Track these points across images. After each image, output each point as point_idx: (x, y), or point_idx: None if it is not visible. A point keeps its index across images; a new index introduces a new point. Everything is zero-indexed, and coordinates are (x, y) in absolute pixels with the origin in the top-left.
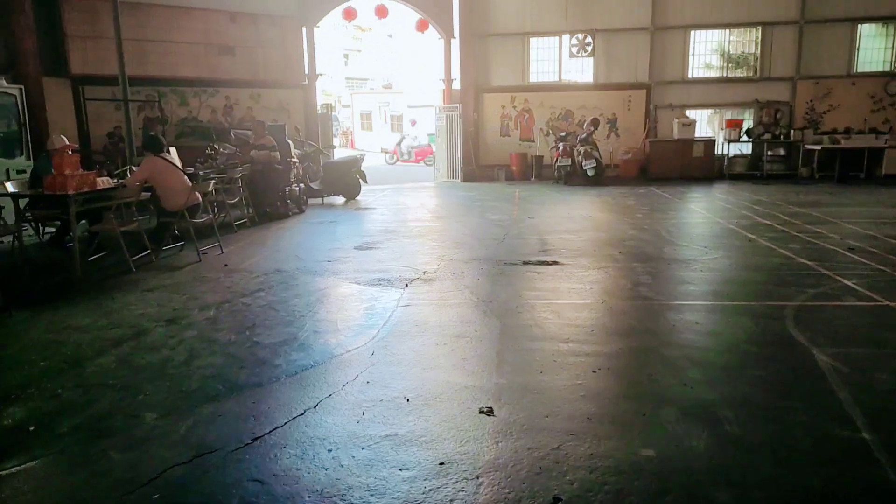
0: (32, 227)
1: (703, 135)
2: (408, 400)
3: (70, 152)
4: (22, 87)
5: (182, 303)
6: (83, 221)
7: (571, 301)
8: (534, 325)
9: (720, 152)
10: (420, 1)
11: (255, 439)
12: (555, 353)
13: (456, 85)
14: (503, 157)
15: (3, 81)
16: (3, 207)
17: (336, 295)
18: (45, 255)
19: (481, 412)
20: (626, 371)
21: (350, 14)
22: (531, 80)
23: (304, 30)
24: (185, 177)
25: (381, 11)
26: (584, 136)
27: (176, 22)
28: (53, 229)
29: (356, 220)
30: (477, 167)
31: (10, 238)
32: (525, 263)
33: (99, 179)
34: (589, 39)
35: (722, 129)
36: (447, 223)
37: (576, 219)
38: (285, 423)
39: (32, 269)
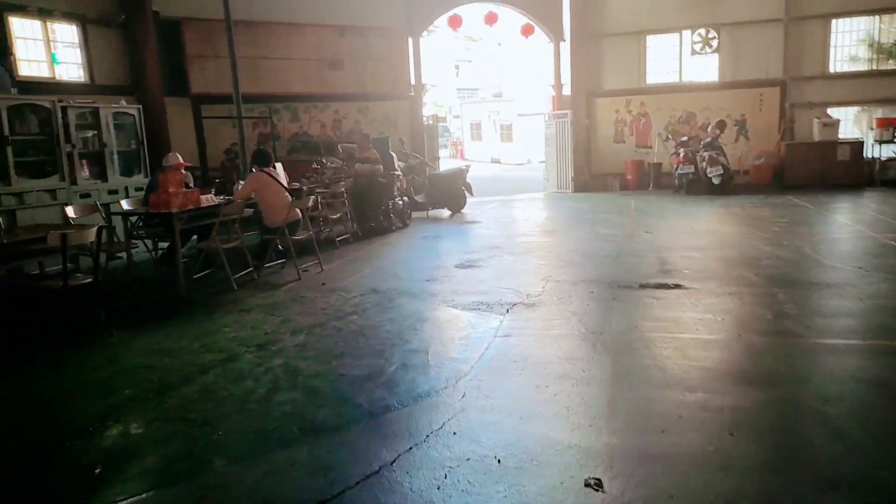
0: (145, 244)
1: (849, 136)
2: (499, 461)
3: (183, 170)
4: (140, 107)
5: (275, 325)
6: (194, 237)
7: (699, 336)
8: (653, 366)
9: (870, 155)
10: (527, 4)
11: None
12: (679, 404)
13: (566, 90)
14: (617, 165)
15: (123, 102)
16: (116, 226)
17: (431, 320)
18: (156, 271)
19: (587, 485)
20: (774, 433)
21: (455, 21)
22: (648, 82)
23: (410, 40)
24: (287, 193)
25: (491, 18)
26: (708, 140)
27: (288, 38)
28: (167, 244)
29: (460, 234)
30: (589, 176)
31: (128, 255)
32: (642, 287)
33: (203, 197)
34: (713, 34)
35: (872, 128)
36: (555, 238)
37: (700, 233)
38: (357, 484)
39: (139, 287)
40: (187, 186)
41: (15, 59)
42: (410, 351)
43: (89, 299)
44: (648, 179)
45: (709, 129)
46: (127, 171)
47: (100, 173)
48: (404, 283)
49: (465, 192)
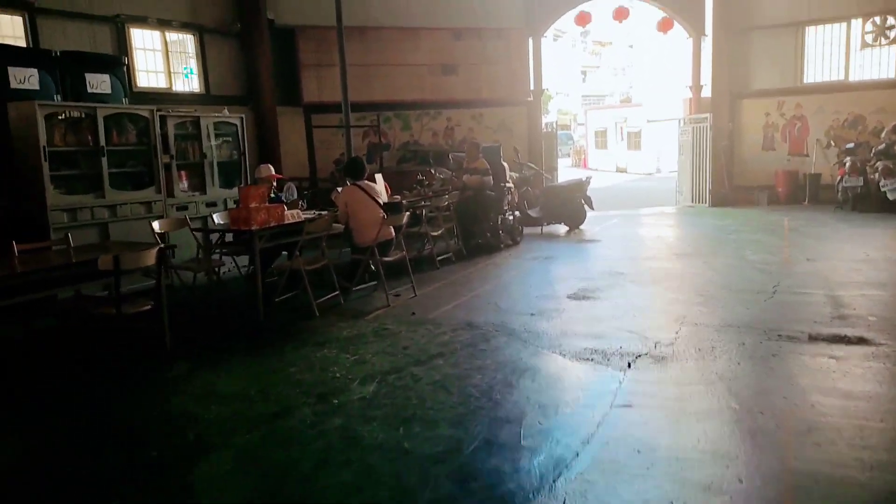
0: (234, 261)
1: None
2: None
3: (275, 182)
4: (242, 116)
5: (347, 367)
6: (284, 253)
7: None
8: (845, 479)
9: None
10: None
11: None
12: None
13: (706, 91)
14: (765, 177)
15: (226, 111)
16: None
17: (531, 373)
18: (241, 292)
19: None
20: None
21: (583, 19)
22: (806, 81)
23: (530, 41)
24: (380, 209)
25: (621, 13)
26: (881, 147)
27: (401, 43)
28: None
29: (576, 255)
30: (730, 189)
31: (210, 273)
32: (812, 339)
33: (290, 212)
34: (892, 22)
35: None
36: (691, 264)
37: (879, 263)
38: None
39: (218, 311)
40: (279, 200)
41: (133, 70)
42: (499, 420)
43: (154, 326)
44: (804, 193)
45: (883, 135)
46: (227, 183)
47: (199, 185)
48: (505, 316)
49: (585, 205)
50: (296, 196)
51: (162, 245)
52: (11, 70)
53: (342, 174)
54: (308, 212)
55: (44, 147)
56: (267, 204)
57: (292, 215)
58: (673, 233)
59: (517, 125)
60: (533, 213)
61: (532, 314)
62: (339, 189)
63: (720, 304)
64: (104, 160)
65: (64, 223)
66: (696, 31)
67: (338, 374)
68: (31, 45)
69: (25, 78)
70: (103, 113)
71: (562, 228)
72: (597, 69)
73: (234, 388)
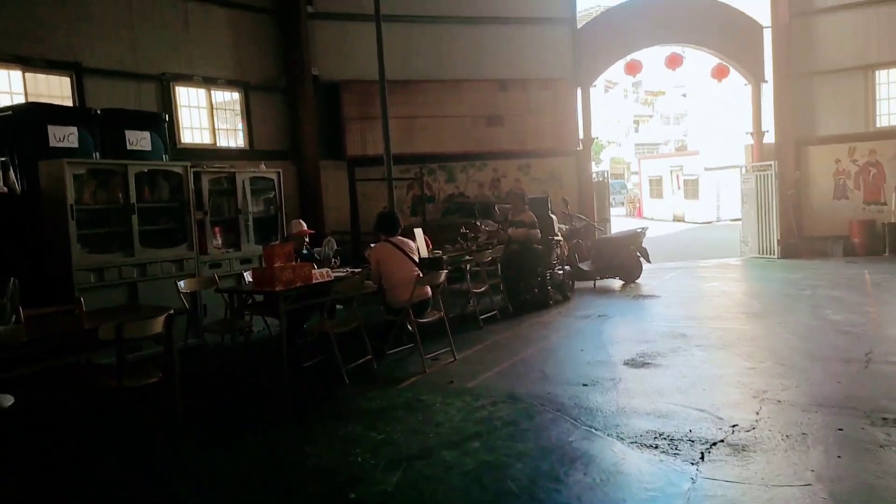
0: (264, 321)
1: None
2: None
3: (307, 238)
4: (279, 171)
5: (370, 449)
6: (316, 313)
7: None
8: None
9: None
10: (719, 43)
11: None
12: None
13: (768, 138)
14: (838, 226)
15: (263, 166)
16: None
17: (582, 463)
18: (270, 355)
19: None
20: None
21: (634, 68)
22: (878, 125)
23: (578, 91)
24: (414, 267)
25: (674, 61)
26: None
27: (445, 95)
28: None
29: (633, 313)
30: (799, 239)
31: (236, 335)
32: None
33: (316, 272)
34: None
35: None
36: (764, 325)
37: None
38: None
39: (241, 377)
40: (311, 256)
41: (178, 127)
42: None
43: (167, 397)
44: (883, 243)
45: None
46: (263, 239)
47: (233, 241)
48: (553, 386)
49: (641, 258)
50: (334, 251)
51: (171, 311)
52: (51, 128)
53: (374, 229)
54: (341, 270)
55: (71, 205)
56: (294, 262)
57: (321, 274)
58: (740, 288)
59: (566, 175)
60: (584, 266)
61: (584, 384)
62: (373, 245)
63: (805, 376)
64: (134, 217)
65: (90, 283)
66: (755, 77)
67: (360, 458)
68: (76, 105)
69: (65, 136)
70: (134, 170)
71: (616, 283)
72: (649, 118)
73: (238, 473)
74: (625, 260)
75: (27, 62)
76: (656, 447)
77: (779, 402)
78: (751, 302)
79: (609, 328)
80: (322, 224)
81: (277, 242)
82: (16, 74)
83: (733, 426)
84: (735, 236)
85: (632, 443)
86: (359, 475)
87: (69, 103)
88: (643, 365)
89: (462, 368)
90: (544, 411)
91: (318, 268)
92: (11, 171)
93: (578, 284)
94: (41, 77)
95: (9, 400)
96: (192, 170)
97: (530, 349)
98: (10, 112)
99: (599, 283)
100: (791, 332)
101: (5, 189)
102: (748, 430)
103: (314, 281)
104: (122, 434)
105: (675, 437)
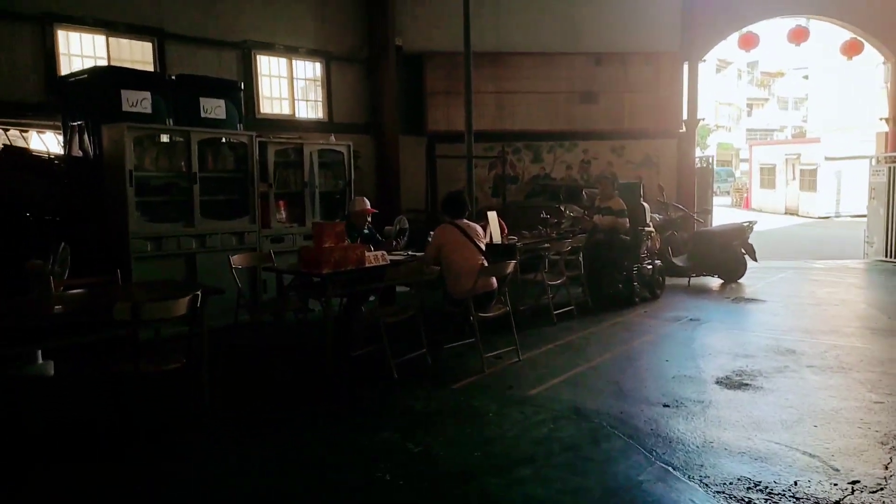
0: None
1: None
2: None
3: (369, 217)
4: (350, 144)
5: (403, 467)
6: (372, 298)
7: None
8: None
9: None
10: (852, 14)
11: None
12: None
13: None
14: None
15: (332, 138)
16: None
17: None
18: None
19: None
20: None
21: (749, 41)
22: None
23: (685, 67)
24: (479, 254)
25: (799, 35)
26: None
27: (536, 70)
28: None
29: (731, 319)
30: None
31: (280, 317)
32: None
33: (370, 255)
34: None
35: None
36: (890, 344)
37: None
38: None
39: (283, 363)
40: (372, 237)
41: (258, 97)
42: None
43: (190, 386)
44: None
45: None
46: (329, 214)
47: (298, 216)
48: (627, 404)
49: (746, 255)
50: (404, 231)
51: (198, 292)
52: (125, 93)
53: (441, 210)
54: (401, 252)
55: (130, 171)
56: (347, 243)
57: (375, 257)
58: (864, 296)
59: (665, 159)
60: (679, 261)
61: (665, 405)
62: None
63: None
64: (196, 187)
65: (147, 252)
66: (894, 54)
67: (386, 476)
68: (157, 70)
69: (139, 101)
70: (197, 137)
71: (714, 282)
72: (765, 102)
73: (251, 485)
74: (726, 256)
75: (111, 26)
76: (750, 500)
77: None
78: (877, 315)
79: (702, 336)
80: (398, 201)
81: (330, 221)
82: (100, 39)
83: (853, 483)
84: (858, 235)
85: (718, 492)
86: (375, 501)
87: (150, 69)
88: (740, 386)
89: (526, 371)
90: (614, 436)
91: (379, 249)
92: (86, 135)
93: (671, 282)
94: (124, 42)
95: (51, 368)
96: (258, 140)
97: (607, 354)
98: (86, 75)
99: (695, 281)
100: None
101: (80, 153)
102: (873, 492)
103: (367, 264)
104: (144, 425)
105: (775, 491)
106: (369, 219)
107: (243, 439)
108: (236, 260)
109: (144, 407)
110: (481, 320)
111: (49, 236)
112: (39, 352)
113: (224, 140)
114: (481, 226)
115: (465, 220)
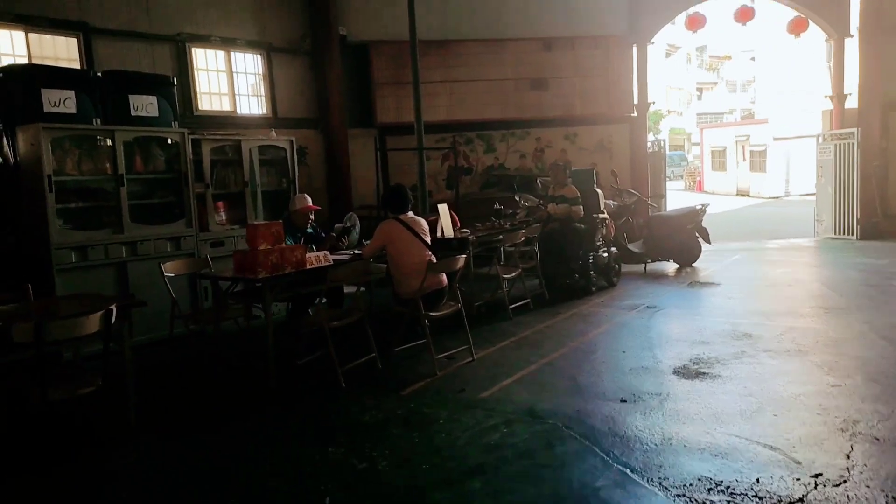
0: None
1: None
2: None
3: (312, 215)
4: (293, 139)
5: (345, 485)
6: (323, 301)
7: None
8: None
9: None
10: None
11: None
12: None
13: (851, 102)
14: None
15: (273, 133)
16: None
17: None
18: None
19: None
20: None
21: (695, 22)
22: None
23: (634, 50)
24: (426, 250)
25: (745, 14)
26: None
27: (485, 57)
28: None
29: (688, 304)
30: (884, 218)
31: (234, 322)
32: None
33: (311, 255)
34: None
35: None
36: (848, 324)
37: None
38: None
39: (221, 374)
40: (316, 236)
41: (195, 93)
42: None
43: (111, 407)
44: None
45: None
46: (274, 214)
47: (239, 217)
48: (584, 401)
49: (700, 238)
50: (350, 229)
51: (111, 307)
52: (45, 92)
53: (381, 205)
54: (344, 253)
55: (48, 176)
56: (286, 244)
57: (317, 258)
58: (816, 275)
59: (618, 145)
60: (634, 248)
61: (622, 400)
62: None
63: None
64: (123, 190)
65: (72, 263)
66: (839, 32)
67: (328, 498)
68: (83, 67)
69: (61, 100)
70: (123, 137)
71: (670, 267)
72: (714, 86)
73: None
74: (681, 240)
75: (30, 21)
76: (712, 501)
77: (876, 439)
78: (830, 294)
79: (658, 323)
80: (349, 198)
81: (309, 215)
82: (18, 35)
83: (815, 476)
84: (808, 213)
85: (678, 495)
86: None
87: (77, 66)
88: (697, 375)
89: (479, 371)
90: (569, 438)
91: (321, 249)
92: (3, 139)
93: (627, 268)
94: (47, 38)
95: None
96: (191, 137)
97: (563, 348)
98: (2, 75)
99: (651, 266)
100: (882, 335)
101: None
102: (837, 485)
103: (308, 266)
104: (69, 442)
105: (737, 491)
106: (312, 217)
107: (172, 459)
108: (168, 267)
109: (63, 429)
110: (432, 319)
111: None
112: None
113: (155, 139)
114: (431, 220)
115: (410, 215)
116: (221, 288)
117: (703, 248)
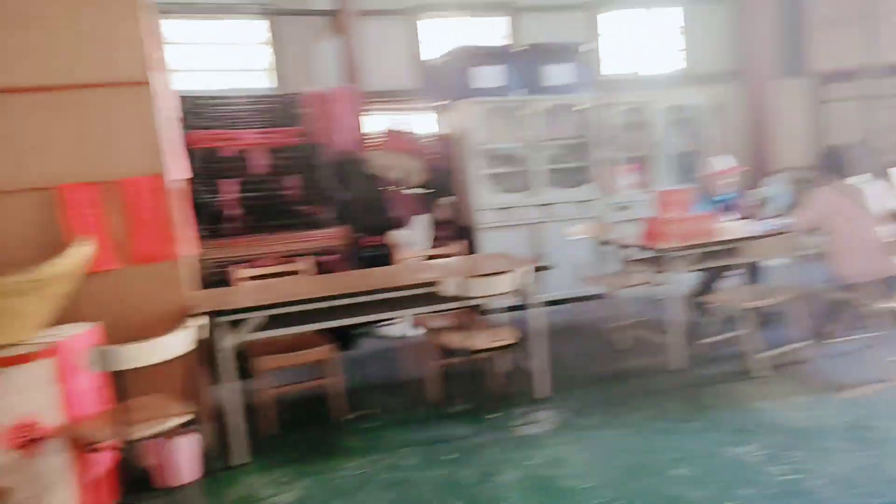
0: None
1: None
2: None
3: (728, 179)
4: (705, 96)
5: (770, 497)
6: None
7: None
8: None
9: None
10: None
11: None
12: None
13: None
14: None
15: (683, 93)
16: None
17: None
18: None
19: None
20: None
21: None
22: None
23: None
24: (874, 227)
25: None
26: None
27: None
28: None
29: None
30: None
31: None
32: None
33: (725, 225)
34: None
35: None
36: None
37: None
38: None
39: (616, 340)
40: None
41: (601, 59)
42: None
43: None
44: None
45: None
46: (685, 178)
47: (646, 182)
48: None
49: None
50: (779, 196)
51: (527, 267)
52: (475, 70)
53: (822, 169)
54: (768, 222)
55: (472, 145)
56: (696, 213)
57: (731, 228)
58: None
59: None
60: None
61: None
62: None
63: None
64: (536, 156)
65: (491, 224)
66: None
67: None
68: (509, 44)
69: (488, 76)
70: (538, 106)
71: None
72: None
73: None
74: None
75: (466, 7)
76: None
77: None
78: None
79: None
80: (771, 159)
81: (680, 187)
82: (456, 23)
83: None
84: None
85: None
86: None
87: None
88: None
89: None
90: None
91: (737, 217)
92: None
93: None
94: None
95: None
96: (598, 102)
97: None
98: (444, 59)
99: None
100: None
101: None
102: None
103: (717, 237)
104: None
105: None
106: (728, 181)
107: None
108: (574, 231)
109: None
110: (883, 312)
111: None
112: None
113: (565, 106)
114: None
115: (852, 182)
116: (625, 255)
117: None
